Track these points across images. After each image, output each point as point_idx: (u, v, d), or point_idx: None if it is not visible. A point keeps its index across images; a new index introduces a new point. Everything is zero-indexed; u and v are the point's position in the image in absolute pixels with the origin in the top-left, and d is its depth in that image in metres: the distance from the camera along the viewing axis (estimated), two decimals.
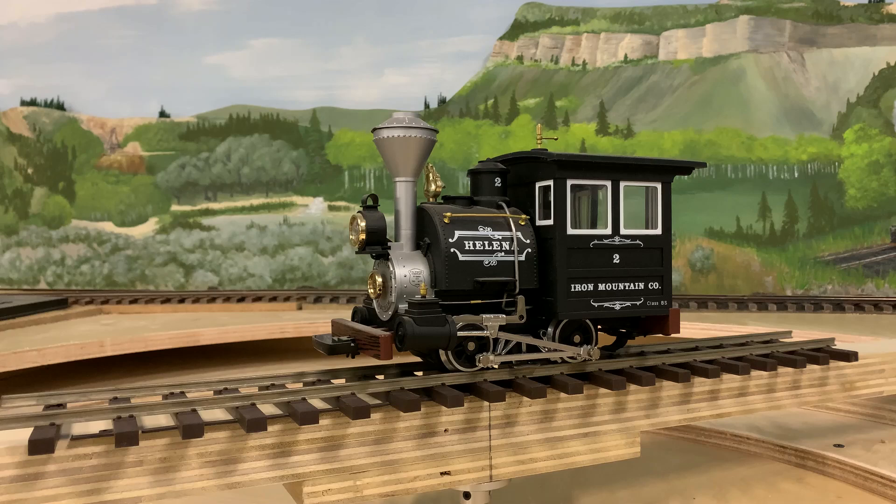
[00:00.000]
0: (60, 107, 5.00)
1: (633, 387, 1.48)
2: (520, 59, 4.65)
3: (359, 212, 1.47)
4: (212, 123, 4.85)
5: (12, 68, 5.04)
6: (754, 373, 1.61)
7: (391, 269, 1.45)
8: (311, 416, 1.17)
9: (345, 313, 3.32)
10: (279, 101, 4.81)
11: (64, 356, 2.51)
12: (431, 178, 1.56)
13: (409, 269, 1.44)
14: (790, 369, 1.66)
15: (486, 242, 1.47)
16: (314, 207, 4.69)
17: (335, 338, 1.45)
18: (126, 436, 1.06)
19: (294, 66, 4.82)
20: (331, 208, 4.67)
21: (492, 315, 1.41)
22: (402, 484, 1.27)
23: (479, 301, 1.46)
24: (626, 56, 4.49)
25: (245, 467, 1.17)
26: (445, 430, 1.32)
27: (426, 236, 1.48)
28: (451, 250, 1.45)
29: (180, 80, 4.93)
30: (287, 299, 3.76)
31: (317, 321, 2.97)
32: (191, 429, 1.09)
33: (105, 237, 4.84)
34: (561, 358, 1.48)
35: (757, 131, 4.21)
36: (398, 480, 1.27)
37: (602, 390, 1.46)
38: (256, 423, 1.13)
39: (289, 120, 4.77)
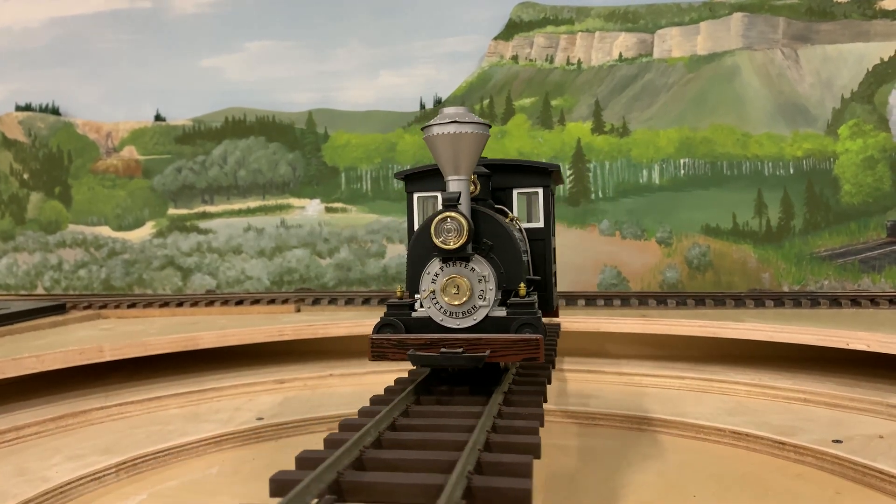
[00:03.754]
0: (55, 111, 4.99)
1: None
2: (515, 58, 4.65)
3: (454, 211, 1.40)
4: (207, 126, 4.85)
5: (7, 73, 5.03)
6: None
7: (481, 271, 1.40)
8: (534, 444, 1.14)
9: (344, 315, 3.32)
10: (275, 104, 4.81)
11: (63, 362, 2.50)
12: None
13: (489, 272, 1.41)
14: None
15: (522, 243, 1.52)
16: (311, 209, 4.69)
17: (447, 351, 1.35)
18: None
19: (289, 69, 4.82)
20: (328, 210, 4.67)
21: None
22: None
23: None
24: (620, 54, 4.50)
25: None
26: None
27: (485, 237, 1.46)
28: (520, 251, 1.46)
29: (175, 83, 4.93)
30: (285, 301, 3.76)
31: (315, 323, 2.97)
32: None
33: (102, 241, 4.83)
34: None
35: (752, 128, 4.22)
36: None
37: None
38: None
39: (284, 122, 4.77)
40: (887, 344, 2.30)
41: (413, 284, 1.51)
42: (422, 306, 1.45)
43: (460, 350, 1.33)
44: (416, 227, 1.88)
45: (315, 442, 2.11)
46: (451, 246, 1.37)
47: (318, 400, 2.46)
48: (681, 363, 2.80)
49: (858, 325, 2.56)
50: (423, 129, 1.48)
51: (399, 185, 4.71)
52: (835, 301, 3.31)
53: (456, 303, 1.39)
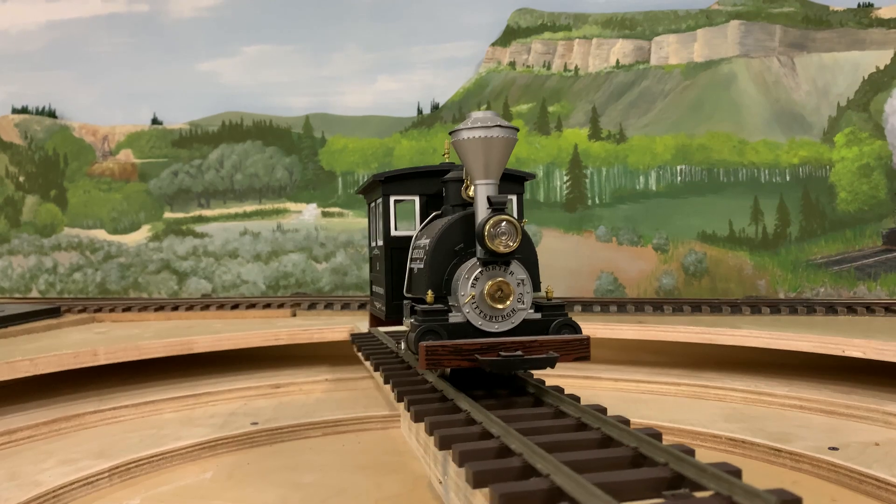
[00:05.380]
0: (52, 114, 4.98)
1: None
2: (512, 64, 4.66)
3: (506, 214, 1.40)
4: (204, 130, 4.85)
5: (3, 76, 5.02)
6: None
7: (518, 275, 1.41)
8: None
9: (340, 320, 3.31)
10: (272, 108, 4.80)
11: (57, 365, 2.48)
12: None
13: (525, 276, 1.42)
14: None
15: None
16: (308, 214, 4.68)
17: (508, 354, 1.35)
18: None
19: (287, 73, 4.82)
20: (324, 214, 4.67)
21: None
22: None
23: None
24: (617, 61, 4.51)
25: None
26: None
27: None
28: (537, 255, 1.47)
29: (173, 86, 4.93)
30: (281, 306, 3.75)
31: (311, 328, 2.96)
32: None
33: (97, 245, 4.82)
34: None
35: (748, 135, 4.23)
36: None
37: None
38: None
39: (281, 126, 4.77)
40: (883, 351, 2.30)
41: (436, 288, 1.51)
42: (455, 311, 1.44)
43: (518, 353, 1.33)
44: (392, 230, 1.88)
45: (310, 446, 2.10)
46: (510, 248, 1.37)
47: (313, 405, 2.45)
48: (677, 369, 2.80)
49: (854, 332, 2.56)
50: (450, 134, 1.49)
51: None
52: (831, 308, 3.31)
53: (500, 306, 1.39)
